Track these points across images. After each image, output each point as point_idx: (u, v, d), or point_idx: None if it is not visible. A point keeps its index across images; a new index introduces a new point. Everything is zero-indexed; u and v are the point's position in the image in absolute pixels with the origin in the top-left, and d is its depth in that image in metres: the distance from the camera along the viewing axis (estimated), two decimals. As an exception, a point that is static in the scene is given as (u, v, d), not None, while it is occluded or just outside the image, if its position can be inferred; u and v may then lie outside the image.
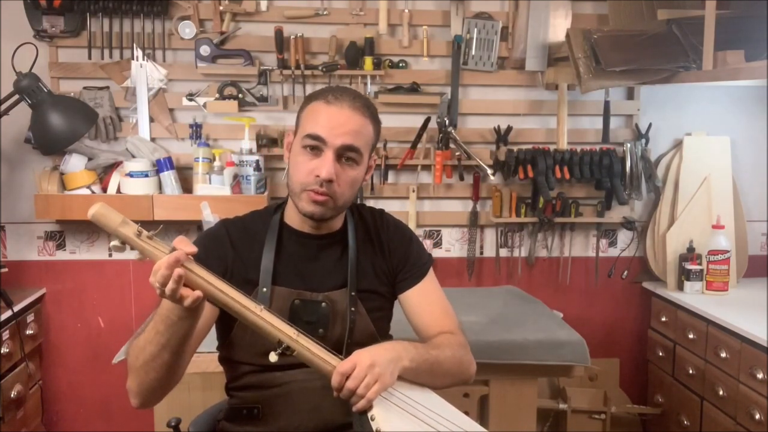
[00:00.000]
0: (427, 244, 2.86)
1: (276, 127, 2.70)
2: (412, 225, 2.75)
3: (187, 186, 2.61)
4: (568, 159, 2.70)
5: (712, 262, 2.68)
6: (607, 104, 2.77)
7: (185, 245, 1.10)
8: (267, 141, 2.66)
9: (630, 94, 2.86)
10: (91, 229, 2.70)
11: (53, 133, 2.30)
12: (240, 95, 2.65)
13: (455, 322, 1.50)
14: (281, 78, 2.66)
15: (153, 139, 2.66)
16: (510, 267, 2.91)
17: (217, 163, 2.56)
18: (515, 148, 2.73)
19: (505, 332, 2.18)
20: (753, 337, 2.18)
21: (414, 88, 2.71)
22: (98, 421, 2.81)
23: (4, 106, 2.30)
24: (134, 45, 2.59)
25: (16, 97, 2.29)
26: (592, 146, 2.77)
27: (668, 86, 2.75)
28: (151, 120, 2.66)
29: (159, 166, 2.55)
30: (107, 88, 2.63)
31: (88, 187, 2.55)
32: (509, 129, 2.76)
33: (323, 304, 1.40)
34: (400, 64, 2.73)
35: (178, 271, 1.07)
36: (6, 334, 2.34)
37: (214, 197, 2.48)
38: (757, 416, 2.15)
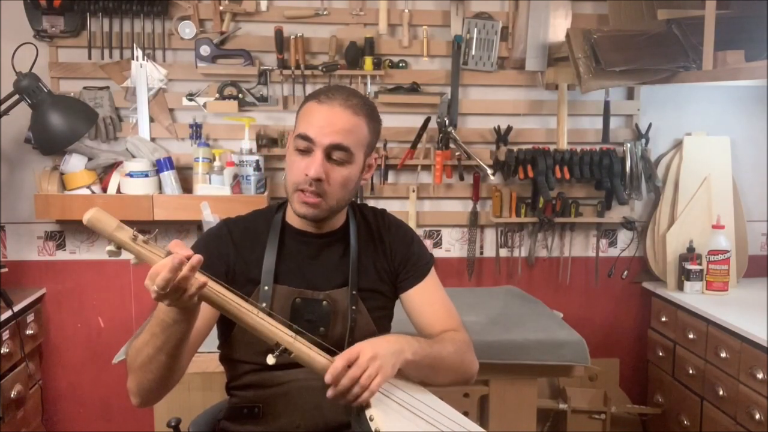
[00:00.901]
0: (427, 244, 2.86)
1: (276, 127, 2.70)
2: (412, 225, 2.75)
3: (187, 186, 2.61)
4: (568, 159, 2.70)
5: (712, 262, 2.68)
6: (607, 104, 2.77)
7: (181, 249, 1.08)
8: (267, 141, 2.66)
9: (630, 94, 2.86)
10: (90, 230, 2.69)
11: (53, 133, 2.30)
12: (240, 95, 2.65)
13: (458, 320, 1.50)
14: (281, 78, 2.66)
15: (153, 139, 2.66)
16: (510, 267, 2.91)
17: (217, 163, 2.56)
18: (515, 148, 2.73)
19: (505, 332, 2.18)
20: (753, 337, 2.18)
21: (414, 88, 2.71)
22: (98, 421, 2.81)
23: (4, 106, 2.30)
24: (134, 45, 2.59)
25: (16, 97, 2.29)
26: (592, 146, 2.77)
27: (668, 86, 2.75)
28: (151, 120, 2.66)
29: (159, 166, 2.55)
30: (107, 88, 2.63)
31: (88, 187, 2.55)
32: (509, 129, 2.76)
33: (324, 302, 1.40)
34: (400, 64, 2.73)
35: (182, 273, 1.05)
36: (6, 334, 2.34)
37: (214, 197, 2.48)
38: (757, 416, 2.15)
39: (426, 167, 2.77)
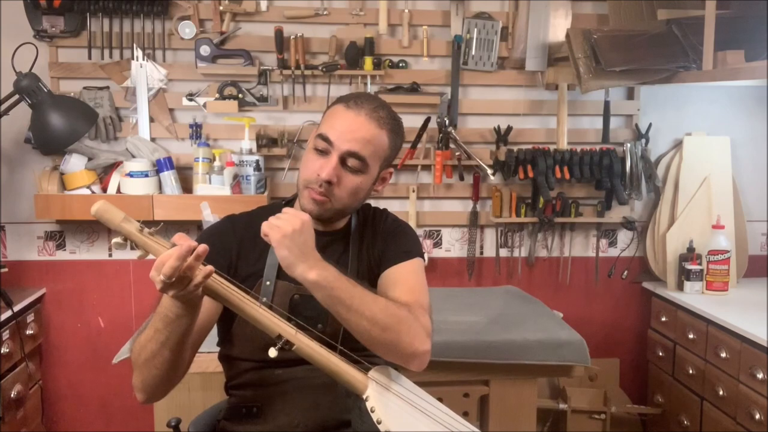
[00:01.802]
0: (427, 244, 2.86)
1: (276, 127, 2.70)
2: (412, 225, 2.74)
3: (187, 186, 2.61)
4: (568, 159, 2.70)
5: (712, 262, 2.68)
6: (607, 104, 2.77)
7: (186, 241, 1.11)
8: (267, 141, 2.66)
9: (630, 94, 2.86)
10: (91, 229, 2.70)
11: (53, 133, 2.30)
12: (240, 95, 2.65)
13: (419, 301, 1.35)
14: (281, 78, 2.66)
15: (153, 139, 2.67)
16: (510, 267, 2.91)
17: (217, 163, 2.56)
18: (515, 148, 2.73)
19: (505, 332, 2.18)
20: (753, 337, 2.18)
21: (414, 88, 2.71)
22: (98, 421, 2.81)
23: (4, 106, 2.30)
24: (134, 45, 2.59)
25: (16, 97, 2.29)
26: (592, 146, 2.77)
27: (668, 86, 2.75)
28: (151, 120, 2.66)
29: (159, 166, 2.55)
30: (107, 88, 2.63)
31: (88, 187, 2.55)
32: (509, 129, 2.76)
33: None
34: (400, 64, 2.73)
35: (189, 261, 1.07)
36: (6, 334, 2.34)
37: (214, 197, 2.48)
38: (757, 416, 2.15)
39: (426, 167, 2.77)
